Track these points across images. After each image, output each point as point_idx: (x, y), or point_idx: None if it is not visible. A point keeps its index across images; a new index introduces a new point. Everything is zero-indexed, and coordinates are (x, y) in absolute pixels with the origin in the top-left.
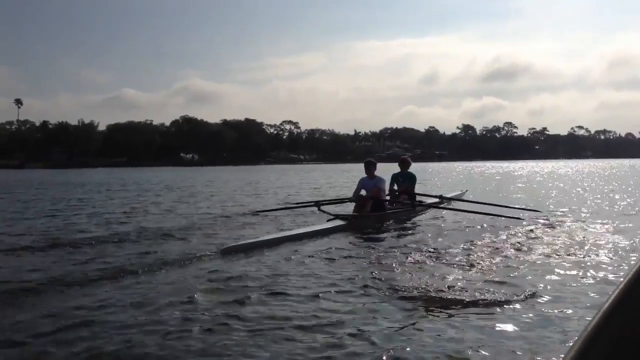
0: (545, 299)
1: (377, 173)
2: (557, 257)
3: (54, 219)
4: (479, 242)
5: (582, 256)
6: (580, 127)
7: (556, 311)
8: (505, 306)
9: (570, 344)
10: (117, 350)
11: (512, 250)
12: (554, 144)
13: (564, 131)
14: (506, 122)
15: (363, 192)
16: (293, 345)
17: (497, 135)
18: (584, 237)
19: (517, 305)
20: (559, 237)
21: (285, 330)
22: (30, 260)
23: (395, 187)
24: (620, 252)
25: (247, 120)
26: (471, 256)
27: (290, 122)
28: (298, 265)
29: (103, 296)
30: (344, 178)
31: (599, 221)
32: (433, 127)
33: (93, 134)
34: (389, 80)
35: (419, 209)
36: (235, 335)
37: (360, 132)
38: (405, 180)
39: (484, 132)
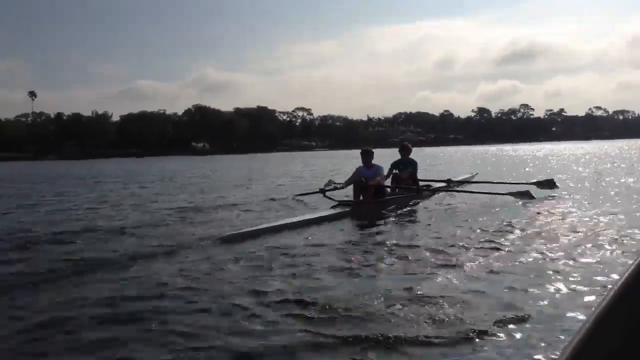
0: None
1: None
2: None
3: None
4: (489, 225)
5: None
6: (599, 108)
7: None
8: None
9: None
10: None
11: (519, 231)
12: (571, 125)
13: (581, 113)
14: (522, 104)
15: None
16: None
17: (513, 117)
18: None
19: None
20: (576, 217)
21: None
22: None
23: (395, 175)
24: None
25: (259, 108)
26: (479, 240)
27: (302, 108)
28: (299, 255)
29: (90, 289)
30: (351, 165)
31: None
32: (448, 111)
33: (106, 125)
34: (404, 66)
35: (426, 194)
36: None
37: (373, 118)
38: (407, 167)
39: (500, 115)
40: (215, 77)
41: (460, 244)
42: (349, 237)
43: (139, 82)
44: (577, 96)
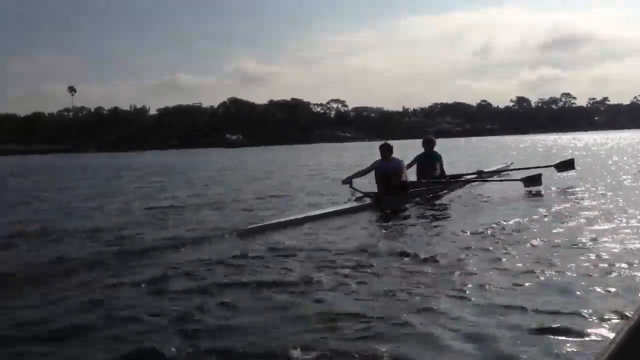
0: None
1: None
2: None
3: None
4: (526, 218)
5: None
6: None
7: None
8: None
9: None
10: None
11: (560, 226)
12: (616, 114)
13: (626, 101)
14: (563, 93)
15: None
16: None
17: (553, 107)
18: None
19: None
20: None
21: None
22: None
23: (420, 169)
24: None
25: (293, 99)
26: (516, 239)
27: (337, 100)
28: (321, 250)
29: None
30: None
31: None
32: (485, 100)
33: (144, 119)
34: (442, 55)
35: (453, 187)
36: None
37: (409, 109)
38: (431, 160)
39: (540, 104)
40: (253, 69)
41: (482, 245)
42: (372, 232)
43: (178, 75)
44: (624, 83)
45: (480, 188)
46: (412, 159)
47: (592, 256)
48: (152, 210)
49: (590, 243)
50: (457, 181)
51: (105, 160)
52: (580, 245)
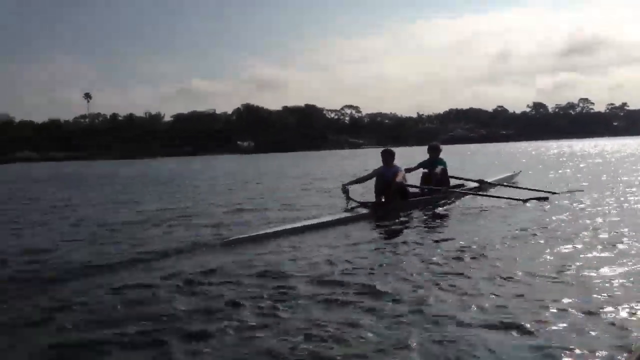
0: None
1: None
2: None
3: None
4: (522, 236)
5: None
6: None
7: None
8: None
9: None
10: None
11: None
12: (635, 119)
13: None
14: (581, 99)
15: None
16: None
17: (571, 112)
18: None
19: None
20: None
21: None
22: None
23: (424, 174)
24: None
25: (306, 106)
26: (512, 257)
27: (351, 106)
28: (311, 264)
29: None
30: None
31: None
32: (501, 106)
33: (158, 125)
34: (457, 61)
35: (452, 196)
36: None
37: (423, 115)
38: (434, 166)
39: (557, 110)
40: (268, 75)
41: (477, 256)
42: (365, 243)
43: (194, 81)
44: None
45: (480, 199)
46: (417, 164)
47: (574, 283)
48: (103, 228)
49: (581, 270)
50: (457, 192)
51: (116, 168)
52: (568, 272)
